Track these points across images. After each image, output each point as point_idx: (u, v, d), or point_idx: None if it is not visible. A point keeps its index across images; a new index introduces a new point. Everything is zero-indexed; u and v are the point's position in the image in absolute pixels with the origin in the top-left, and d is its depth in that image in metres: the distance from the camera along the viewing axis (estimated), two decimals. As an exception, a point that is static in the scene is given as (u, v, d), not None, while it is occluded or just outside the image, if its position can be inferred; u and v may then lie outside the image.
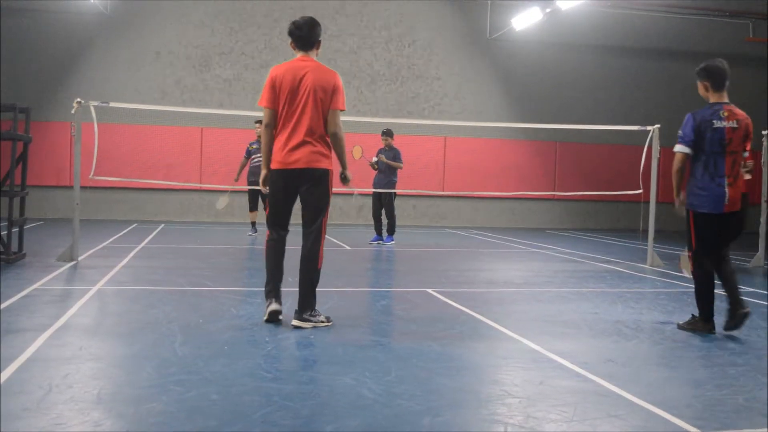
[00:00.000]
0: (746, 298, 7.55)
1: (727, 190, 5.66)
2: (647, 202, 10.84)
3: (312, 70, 5.49)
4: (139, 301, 6.58)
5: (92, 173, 9.80)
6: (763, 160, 10.75)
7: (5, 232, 8.96)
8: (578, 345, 5.25)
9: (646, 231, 10.87)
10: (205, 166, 18.12)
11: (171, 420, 3.37)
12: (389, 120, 13.44)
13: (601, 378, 4.27)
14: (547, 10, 17.25)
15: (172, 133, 18.05)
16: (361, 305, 7.01)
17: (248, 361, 4.52)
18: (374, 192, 13.06)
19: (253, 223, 14.16)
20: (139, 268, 8.82)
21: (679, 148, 5.72)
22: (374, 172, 13.09)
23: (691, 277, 5.94)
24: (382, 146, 13.06)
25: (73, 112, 9.12)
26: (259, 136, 13.09)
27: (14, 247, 9.11)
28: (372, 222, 13.51)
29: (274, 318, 5.59)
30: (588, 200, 20.05)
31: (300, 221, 5.60)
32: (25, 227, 9.60)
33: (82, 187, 9.80)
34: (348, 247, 12.28)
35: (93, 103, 9.62)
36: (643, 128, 11.04)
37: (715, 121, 5.63)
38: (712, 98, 5.78)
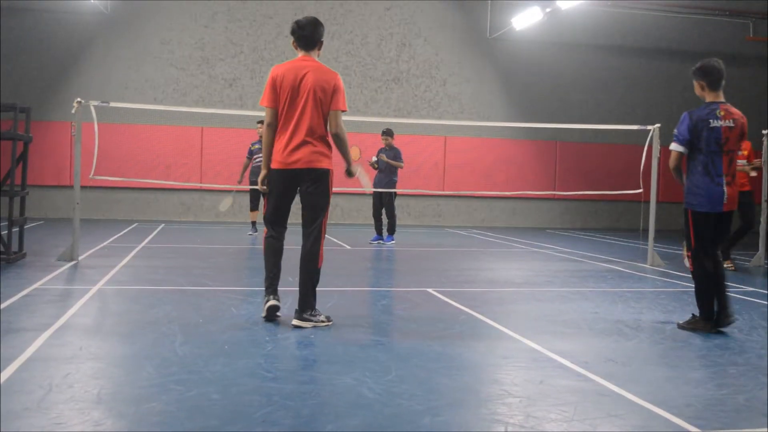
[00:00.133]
0: (746, 298, 7.58)
1: (725, 188, 5.69)
2: (647, 202, 10.84)
3: (313, 70, 5.49)
4: (139, 301, 6.58)
5: (92, 173, 9.80)
6: (763, 159, 10.75)
7: (5, 231, 8.97)
8: (578, 344, 5.25)
9: (646, 230, 10.87)
10: (206, 166, 18.12)
11: (171, 419, 3.37)
12: (389, 119, 13.43)
13: (601, 377, 4.27)
14: (548, 9, 17.24)
15: (173, 132, 18.04)
16: (362, 305, 7.01)
17: (249, 360, 4.52)
18: (375, 192, 13.06)
19: (254, 223, 14.17)
20: (139, 268, 8.82)
21: (674, 146, 5.78)
22: (374, 172, 13.10)
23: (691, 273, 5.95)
24: (383, 146, 13.06)
25: (73, 111, 9.12)
26: (260, 136, 13.10)
27: (14, 246, 9.11)
28: (372, 221, 13.52)
29: (272, 314, 5.61)
30: (588, 200, 20.06)
31: (300, 221, 5.61)
32: (25, 227, 9.60)
33: (83, 187, 9.81)
34: (348, 247, 12.28)
35: (93, 103, 9.62)
36: (643, 127, 11.04)
37: (711, 121, 5.65)
38: (708, 97, 5.81)
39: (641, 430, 3.45)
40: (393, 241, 13.06)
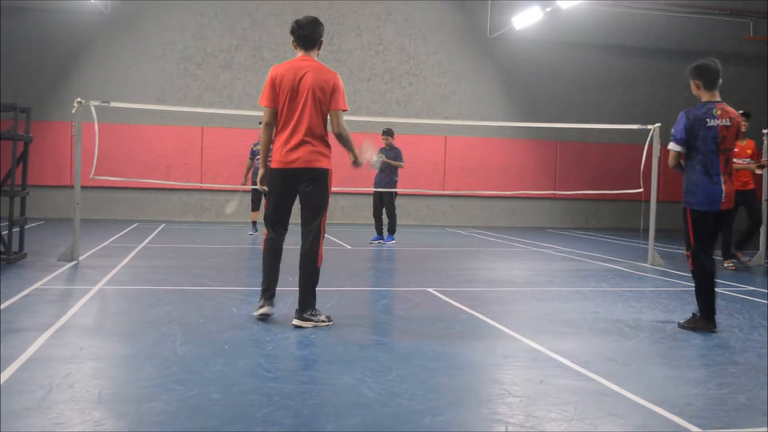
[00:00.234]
0: (747, 297, 7.57)
1: (723, 187, 5.72)
2: (648, 201, 10.83)
3: (312, 70, 5.49)
4: (139, 301, 6.58)
5: (93, 173, 9.80)
6: (763, 158, 10.75)
7: (6, 231, 8.97)
8: (579, 344, 5.25)
9: (646, 230, 10.86)
10: (206, 166, 18.12)
11: (172, 419, 3.37)
12: (390, 119, 13.44)
13: (601, 377, 4.27)
14: (548, 9, 17.24)
15: (173, 132, 18.04)
16: (362, 304, 7.01)
17: (249, 360, 4.53)
18: (375, 191, 13.06)
19: (254, 223, 14.18)
20: (139, 268, 8.82)
21: (672, 146, 5.82)
22: (375, 172, 13.09)
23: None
24: (383, 145, 13.06)
25: (73, 111, 9.12)
26: (262, 137, 13.11)
27: (15, 246, 9.11)
28: (372, 221, 13.52)
29: (264, 318, 5.65)
30: (588, 199, 20.05)
31: (299, 221, 5.61)
32: (25, 227, 9.60)
33: (83, 187, 9.81)
34: (349, 247, 12.28)
35: (93, 103, 9.62)
36: (643, 127, 11.04)
37: (708, 120, 5.68)
38: (704, 97, 5.84)
39: (642, 429, 3.45)
40: (393, 241, 13.06)
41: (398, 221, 13.63)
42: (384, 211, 13.08)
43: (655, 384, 4.21)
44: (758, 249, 10.93)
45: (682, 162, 5.89)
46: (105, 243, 11.54)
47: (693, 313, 5.91)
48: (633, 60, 20.54)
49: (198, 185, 17.53)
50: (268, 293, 5.66)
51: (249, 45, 18.61)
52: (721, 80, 5.81)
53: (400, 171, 13.09)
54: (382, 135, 13.02)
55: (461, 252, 12.37)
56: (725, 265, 10.10)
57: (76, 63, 17.95)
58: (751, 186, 10.14)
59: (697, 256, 5.80)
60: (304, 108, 5.45)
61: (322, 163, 5.51)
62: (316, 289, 5.62)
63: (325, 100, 5.49)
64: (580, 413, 3.61)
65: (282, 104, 5.50)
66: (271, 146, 5.65)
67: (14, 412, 3.37)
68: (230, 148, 17.94)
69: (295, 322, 5.50)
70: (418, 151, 18.49)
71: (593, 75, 20.39)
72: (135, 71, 18.15)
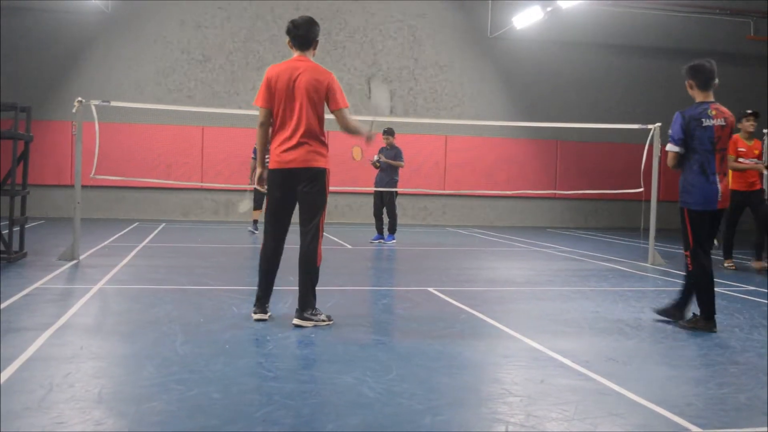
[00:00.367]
0: (747, 297, 7.57)
1: (719, 186, 5.76)
2: (648, 201, 10.83)
3: (306, 70, 5.51)
4: (140, 300, 6.58)
5: (93, 172, 9.81)
6: (764, 158, 10.73)
7: (6, 231, 8.97)
8: (579, 343, 5.25)
9: (647, 229, 10.86)
10: (206, 166, 18.12)
11: (172, 419, 3.37)
12: (390, 119, 13.45)
13: (602, 376, 4.27)
14: (548, 8, 17.23)
15: (173, 132, 18.04)
16: (362, 304, 7.01)
17: (249, 359, 4.53)
18: (375, 191, 13.06)
19: (255, 221, 14.19)
20: (140, 267, 8.82)
21: (670, 147, 5.86)
22: (376, 171, 13.10)
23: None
24: (384, 145, 13.06)
25: (74, 111, 9.13)
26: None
27: (15, 246, 9.11)
28: (373, 221, 13.52)
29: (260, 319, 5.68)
30: (589, 199, 20.05)
31: (297, 220, 5.62)
32: (26, 226, 9.60)
33: (83, 186, 9.81)
34: (349, 246, 12.28)
35: (94, 102, 9.62)
36: (644, 127, 11.04)
37: (704, 120, 5.73)
38: (698, 97, 5.89)
39: (642, 429, 3.44)
40: (394, 241, 13.06)
41: (399, 221, 13.63)
42: (384, 210, 13.08)
43: (655, 384, 4.21)
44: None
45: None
46: (105, 242, 11.54)
47: (693, 313, 5.91)
48: (633, 60, 20.54)
49: (198, 185, 17.53)
50: (262, 302, 5.68)
51: (249, 44, 18.61)
52: (716, 81, 5.85)
53: (400, 170, 13.09)
54: (383, 134, 13.02)
55: (461, 251, 12.37)
56: (725, 264, 10.09)
57: (77, 62, 17.96)
58: (758, 186, 10.07)
59: (697, 255, 5.82)
60: (300, 109, 5.46)
61: (320, 163, 5.51)
62: (316, 288, 5.63)
63: (320, 100, 5.50)
64: (581, 413, 3.61)
65: (278, 105, 5.52)
66: (269, 146, 5.66)
67: (14, 412, 3.37)
68: (231, 147, 17.94)
69: (296, 321, 5.50)
70: (418, 151, 18.50)
71: (594, 75, 20.39)
72: (135, 71, 18.15)
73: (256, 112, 5.74)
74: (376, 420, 3.43)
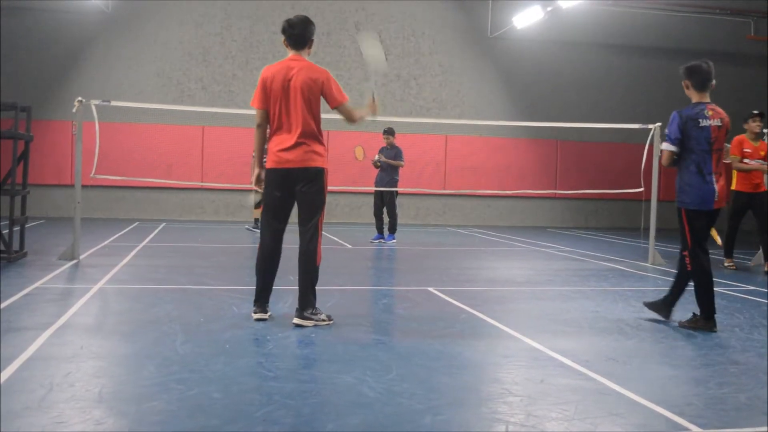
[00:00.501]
0: (747, 297, 7.57)
1: (716, 186, 5.80)
2: (648, 201, 10.83)
3: (301, 70, 5.51)
4: (140, 300, 6.58)
5: (93, 172, 9.80)
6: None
7: (6, 230, 8.97)
8: (579, 343, 5.25)
9: (647, 229, 10.86)
10: (207, 165, 18.12)
11: (172, 418, 3.37)
12: (390, 118, 13.44)
13: (602, 376, 4.27)
14: (549, 8, 17.23)
15: (174, 131, 18.04)
16: (363, 304, 7.01)
17: (249, 359, 4.53)
18: (376, 190, 13.06)
19: (257, 220, 14.20)
20: (140, 267, 8.82)
21: (666, 146, 5.89)
22: (376, 171, 13.11)
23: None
24: (384, 145, 13.07)
25: (74, 110, 9.13)
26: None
27: (15, 245, 9.11)
28: (373, 220, 13.52)
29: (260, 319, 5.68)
30: (589, 198, 20.04)
31: (296, 220, 5.62)
32: (26, 226, 9.60)
33: (84, 186, 9.81)
34: (349, 246, 12.28)
35: (94, 102, 9.62)
36: (644, 126, 11.04)
37: (701, 120, 5.77)
38: (694, 98, 5.93)
39: (642, 429, 3.44)
40: (394, 240, 13.06)
41: (399, 220, 13.63)
42: (385, 210, 13.08)
43: (655, 383, 4.21)
44: (758, 249, 10.92)
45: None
46: (105, 242, 11.54)
47: (693, 313, 5.92)
48: (634, 59, 20.53)
49: (199, 184, 17.53)
50: (261, 301, 5.68)
51: (250, 44, 18.60)
52: (713, 82, 5.89)
53: (401, 170, 13.09)
54: (383, 134, 13.03)
55: (462, 251, 12.36)
56: (726, 264, 10.09)
57: (77, 62, 17.96)
58: (763, 189, 10.02)
59: (696, 255, 5.84)
60: (295, 108, 5.47)
61: (317, 163, 5.51)
62: (316, 288, 5.63)
63: (316, 99, 5.51)
64: (581, 412, 3.61)
65: (273, 105, 5.53)
66: (266, 147, 5.67)
67: (15, 412, 3.37)
68: (231, 147, 17.94)
69: (296, 320, 5.50)
70: (418, 151, 18.50)
71: (594, 74, 20.38)
72: (136, 70, 18.16)
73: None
74: (377, 420, 3.43)
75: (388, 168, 12.86)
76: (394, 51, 19.30)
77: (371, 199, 14.12)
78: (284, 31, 5.64)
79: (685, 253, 5.91)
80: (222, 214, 18.52)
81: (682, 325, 5.87)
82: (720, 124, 5.80)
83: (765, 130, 10.95)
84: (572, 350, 4.93)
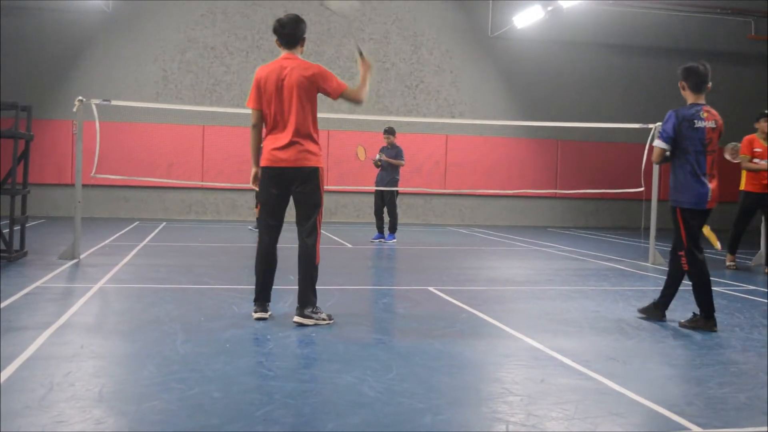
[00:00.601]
0: (747, 296, 7.57)
1: (710, 187, 5.83)
2: (649, 200, 10.83)
3: (294, 69, 5.53)
4: (140, 299, 6.58)
5: (94, 171, 9.80)
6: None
7: (7, 230, 8.97)
8: (580, 343, 5.25)
9: (647, 229, 10.86)
10: (207, 165, 18.12)
11: (172, 418, 3.37)
12: (391, 118, 13.44)
13: (602, 376, 4.27)
14: (549, 8, 17.22)
15: (174, 131, 18.04)
16: (363, 303, 7.01)
17: (250, 359, 4.53)
18: (376, 190, 13.06)
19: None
20: (140, 267, 8.82)
21: (658, 143, 5.94)
22: (377, 170, 13.11)
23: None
24: (384, 144, 13.07)
25: (74, 110, 9.13)
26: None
27: (16, 245, 9.12)
28: (374, 220, 13.51)
29: (261, 319, 5.68)
30: (589, 198, 20.03)
31: (295, 219, 5.63)
32: (26, 225, 9.61)
33: (84, 185, 9.81)
34: (350, 245, 12.28)
35: (95, 101, 9.62)
36: (644, 126, 11.03)
37: (696, 121, 5.81)
38: (690, 99, 5.98)
39: (642, 428, 3.45)
40: (394, 240, 13.06)
41: (399, 220, 13.64)
42: (385, 209, 13.08)
43: (655, 383, 4.21)
44: (758, 249, 10.92)
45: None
46: (106, 241, 11.54)
47: (693, 313, 5.92)
48: (634, 59, 20.52)
49: (199, 184, 17.53)
50: (261, 300, 5.69)
51: (250, 44, 18.60)
52: (709, 84, 5.94)
53: (401, 169, 13.10)
54: (384, 133, 13.03)
55: (462, 251, 12.37)
56: (727, 263, 10.08)
57: (78, 61, 17.95)
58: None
59: (692, 254, 5.87)
60: (289, 108, 5.47)
61: (311, 162, 5.51)
62: (317, 287, 5.63)
63: (310, 97, 5.51)
64: (581, 412, 3.61)
65: (267, 105, 5.53)
66: (262, 146, 5.68)
67: (15, 411, 3.37)
68: (231, 146, 17.93)
69: (296, 318, 5.50)
70: (419, 150, 18.50)
71: (594, 74, 20.37)
72: (136, 70, 18.15)
73: (257, 112, 5.73)
74: (377, 419, 3.43)
75: (389, 167, 12.86)
76: (394, 50, 19.30)
77: (371, 199, 14.12)
78: (275, 30, 5.67)
79: (681, 252, 5.93)
80: (222, 214, 18.52)
81: (682, 325, 5.88)
82: (714, 126, 5.86)
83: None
84: (572, 350, 4.93)
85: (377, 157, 12.90)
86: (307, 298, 5.53)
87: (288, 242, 5.76)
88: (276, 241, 5.71)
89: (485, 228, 18.18)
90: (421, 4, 19.41)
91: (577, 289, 7.94)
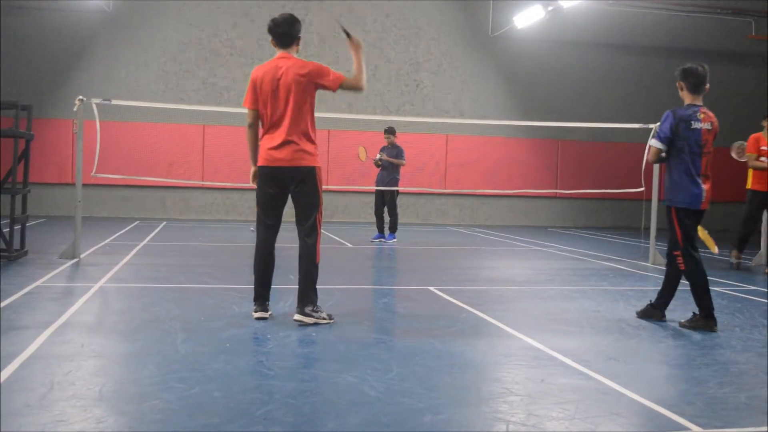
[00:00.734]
0: (748, 296, 7.57)
1: (704, 187, 5.86)
2: (649, 200, 10.83)
3: (289, 68, 5.54)
4: (141, 299, 6.58)
5: (94, 171, 9.81)
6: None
7: (7, 229, 8.97)
8: (580, 343, 5.25)
9: (647, 229, 10.86)
10: (207, 164, 18.12)
11: (173, 417, 3.37)
12: (391, 118, 13.44)
13: (602, 376, 4.27)
14: (549, 8, 17.22)
15: (174, 130, 18.04)
16: (363, 303, 7.01)
17: (250, 358, 4.53)
18: (377, 189, 13.07)
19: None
20: (140, 266, 8.83)
21: (654, 143, 5.96)
22: (377, 170, 13.11)
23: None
24: (385, 144, 13.07)
25: (75, 109, 9.13)
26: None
27: (16, 244, 9.12)
28: (374, 220, 13.51)
29: (261, 318, 5.68)
30: (590, 198, 20.03)
31: (294, 219, 5.64)
32: (27, 225, 9.61)
33: (84, 185, 9.82)
34: (350, 245, 12.28)
35: (95, 101, 9.63)
36: (645, 126, 11.03)
37: (693, 122, 5.84)
38: (687, 100, 6.01)
39: (642, 428, 3.45)
40: (395, 240, 13.06)
41: (400, 220, 13.64)
42: (386, 209, 13.08)
43: (656, 383, 4.21)
44: (759, 249, 10.92)
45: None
46: (106, 241, 11.54)
47: (693, 312, 5.92)
48: (635, 59, 20.52)
49: (199, 183, 17.53)
50: (261, 299, 5.69)
51: (250, 43, 18.60)
52: (707, 86, 5.98)
53: (402, 169, 13.10)
54: (384, 133, 13.03)
55: (462, 250, 12.37)
56: (733, 259, 10.07)
57: (78, 61, 17.96)
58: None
59: (688, 254, 5.89)
60: (285, 107, 5.48)
61: (308, 162, 5.51)
62: (317, 286, 5.63)
63: (307, 97, 5.52)
64: (581, 412, 3.61)
65: (263, 106, 5.54)
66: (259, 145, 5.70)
67: (15, 410, 3.37)
68: (232, 146, 17.93)
69: (297, 317, 5.51)
70: (419, 150, 18.49)
71: (595, 74, 20.37)
72: (136, 69, 18.15)
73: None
74: (377, 419, 3.43)
75: (390, 167, 12.86)
76: (394, 50, 19.30)
77: (372, 198, 14.12)
78: (270, 30, 5.68)
79: (677, 252, 5.94)
80: (222, 213, 18.52)
81: (682, 324, 5.88)
82: (710, 127, 5.89)
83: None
84: (573, 349, 4.93)
85: (378, 156, 12.90)
86: (307, 297, 5.53)
87: (288, 242, 5.76)
88: (274, 240, 5.72)
89: (486, 228, 18.18)
90: (422, 4, 19.41)
91: (578, 288, 7.94)
